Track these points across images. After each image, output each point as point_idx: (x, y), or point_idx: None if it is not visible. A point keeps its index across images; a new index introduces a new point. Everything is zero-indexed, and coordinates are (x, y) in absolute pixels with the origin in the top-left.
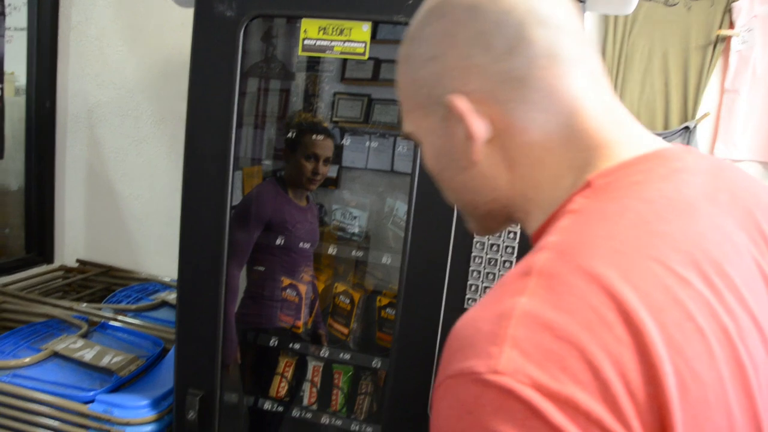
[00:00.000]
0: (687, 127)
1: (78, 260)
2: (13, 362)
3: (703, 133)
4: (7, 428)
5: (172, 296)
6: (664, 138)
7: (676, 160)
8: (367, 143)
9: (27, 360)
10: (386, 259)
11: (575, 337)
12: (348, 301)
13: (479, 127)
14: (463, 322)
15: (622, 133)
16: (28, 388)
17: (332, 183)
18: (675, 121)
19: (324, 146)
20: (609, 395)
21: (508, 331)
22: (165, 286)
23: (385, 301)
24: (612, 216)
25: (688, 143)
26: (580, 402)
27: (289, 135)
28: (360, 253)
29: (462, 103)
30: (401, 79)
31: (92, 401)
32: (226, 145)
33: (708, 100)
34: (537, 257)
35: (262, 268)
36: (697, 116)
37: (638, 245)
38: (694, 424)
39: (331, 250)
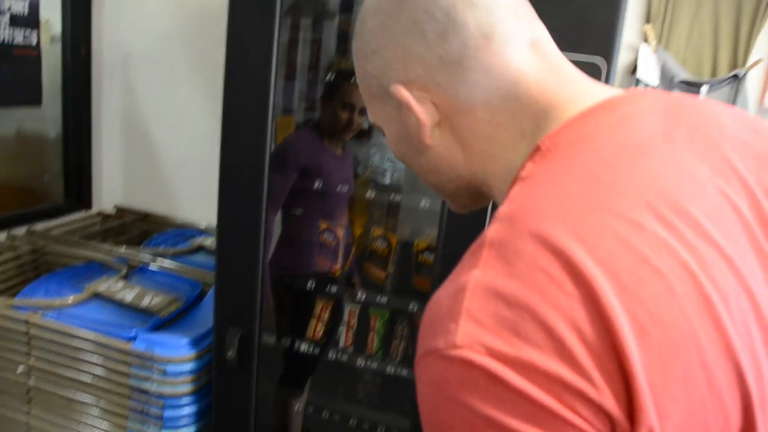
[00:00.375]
0: (736, 75)
1: (115, 206)
2: (57, 301)
3: (753, 81)
4: (52, 363)
5: (208, 241)
6: (710, 87)
7: (627, 105)
8: None
9: (70, 299)
10: (424, 203)
11: (526, 300)
12: (385, 245)
13: (424, 114)
14: (430, 303)
15: (571, 92)
16: (72, 326)
17: (365, 134)
18: (723, 69)
19: (360, 95)
20: (565, 351)
21: (463, 305)
22: (201, 232)
23: (422, 245)
24: (558, 175)
25: (736, 92)
26: (537, 363)
27: (328, 79)
28: (398, 197)
29: (404, 93)
30: (357, 71)
31: (134, 339)
32: (265, 89)
33: (760, 47)
34: (489, 229)
35: (298, 212)
36: (748, 63)
37: (585, 199)
38: (660, 366)
39: (369, 194)
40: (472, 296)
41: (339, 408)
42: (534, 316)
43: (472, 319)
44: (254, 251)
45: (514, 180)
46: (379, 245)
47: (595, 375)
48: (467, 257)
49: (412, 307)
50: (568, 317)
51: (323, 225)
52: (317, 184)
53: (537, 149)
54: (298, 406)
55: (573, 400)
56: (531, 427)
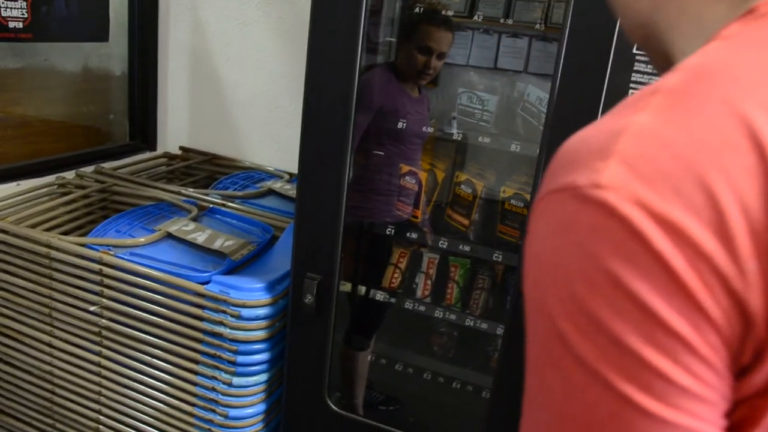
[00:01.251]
0: None
1: (181, 147)
2: (129, 241)
3: None
4: (125, 303)
5: (278, 185)
6: None
7: None
8: (470, 39)
9: (142, 239)
10: (514, 147)
11: (695, 159)
12: (470, 190)
13: None
14: (572, 139)
15: None
16: (145, 266)
17: (432, 81)
18: None
19: (440, 39)
20: (724, 228)
21: (618, 146)
22: (270, 175)
23: (509, 191)
24: None
25: None
26: (689, 230)
27: (416, 11)
28: (487, 140)
29: None
30: None
31: (208, 282)
32: (354, 25)
33: None
34: (668, 77)
35: (379, 155)
36: None
37: None
38: None
39: (456, 135)
40: (631, 139)
41: (413, 361)
42: (699, 179)
43: (626, 163)
44: (337, 196)
45: (711, 38)
46: (464, 191)
47: (750, 265)
48: (628, 103)
49: (496, 256)
50: (737, 192)
51: (404, 168)
52: (395, 126)
53: (751, 11)
54: (369, 356)
55: (715, 284)
56: (658, 298)
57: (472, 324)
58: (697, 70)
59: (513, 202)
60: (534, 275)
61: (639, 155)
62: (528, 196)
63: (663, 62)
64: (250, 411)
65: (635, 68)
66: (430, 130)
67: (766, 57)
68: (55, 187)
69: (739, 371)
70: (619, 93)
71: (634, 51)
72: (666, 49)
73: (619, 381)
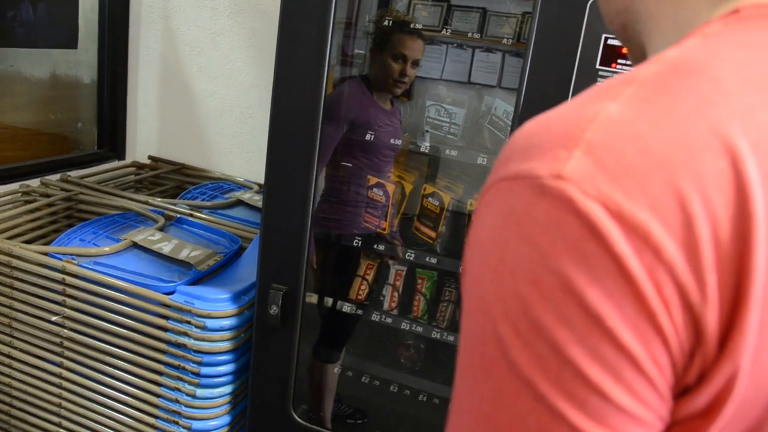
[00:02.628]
0: None
1: (150, 157)
2: (93, 250)
3: None
4: (88, 314)
5: (247, 195)
6: None
7: None
8: (444, 53)
9: (107, 249)
10: (482, 160)
11: (666, 157)
12: (437, 203)
13: None
14: (534, 121)
15: None
16: (109, 276)
17: (405, 94)
18: None
19: (413, 47)
20: (690, 237)
21: (586, 135)
22: (239, 186)
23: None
24: (754, 45)
25: None
26: (653, 234)
27: (385, 24)
28: (454, 153)
29: None
30: None
31: (173, 292)
32: (322, 37)
33: None
34: (643, 68)
35: (347, 166)
36: None
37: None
38: None
39: (424, 148)
40: (599, 128)
41: (380, 373)
42: (669, 179)
43: (592, 154)
44: (303, 207)
45: (690, 34)
46: (431, 203)
47: (711, 279)
48: (599, 90)
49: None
50: (706, 197)
51: (372, 180)
52: (366, 138)
53: (735, 11)
54: (336, 369)
55: (673, 296)
56: (610, 307)
57: (438, 336)
58: (675, 64)
59: None
60: (475, 270)
61: (606, 147)
62: None
63: (640, 54)
64: (214, 423)
65: (599, 82)
66: (401, 142)
67: (747, 60)
68: (19, 194)
69: (681, 391)
70: None
71: (597, 66)
72: (642, 41)
73: (552, 394)
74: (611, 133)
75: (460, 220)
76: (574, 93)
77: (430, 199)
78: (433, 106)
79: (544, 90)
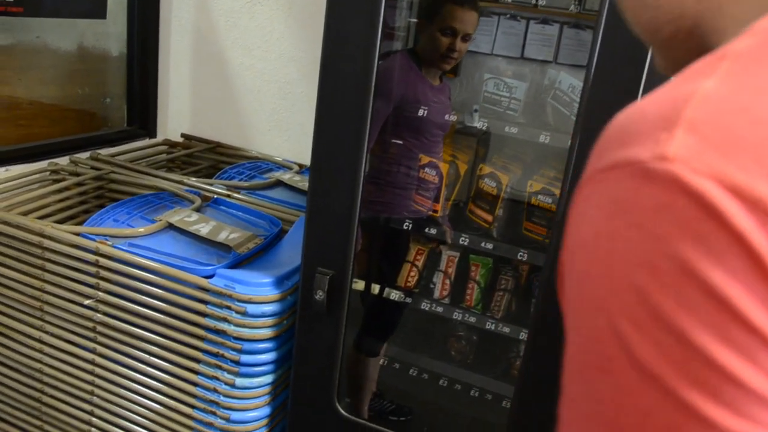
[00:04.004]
0: None
1: (183, 135)
2: (128, 231)
3: None
4: (122, 298)
5: (287, 176)
6: None
7: None
8: (496, 25)
9: (142, 230)
10: (544, 138)
11: None
12: (494, 184)
13: None
14: (626, 111)
15: None
16: (144, 258)
17: (452, 70)
18: None
19: (464, 19)
20: None
21: (685, 113)
22: (278, 166)
23: (537, 186)
24: None
25: None
26: None
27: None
28: (514, 130)
29: None
30: None
31: (212, 276)
32: (374, 5)
33: None
34: (736, 42)
35: (396, 145)
36: None
37: None
38: None
39: (481, 125)
40: (700, 105)
41: (428, 366)
42: None
43: (696, 132)
44: (352, 187)
45: None
46: (488, 184)
47: None
48: (691, 71)
49: (521, 255)
50: None
51: (424, 159)
52: (413, 116)
53: None
54: (382, 360)
55: None
56: (736, 287)
57: (493, 327)
58: None
59: (540, 197)
60: (580, 268)
61: (711, 122)
62: (557, 192)
63: (690, 58)
64: (253, 414)
65: None
66: (454, 118)
67: None
68: (47, 173)
69: None
70: (660, 80)
71: None
72: (706, 42)
73: (682, 386)
74: (713, 109)
75: (519, 203)
76: (650, 68)
77: (486, 180)
78: (492, 80)
79: (617, 63)
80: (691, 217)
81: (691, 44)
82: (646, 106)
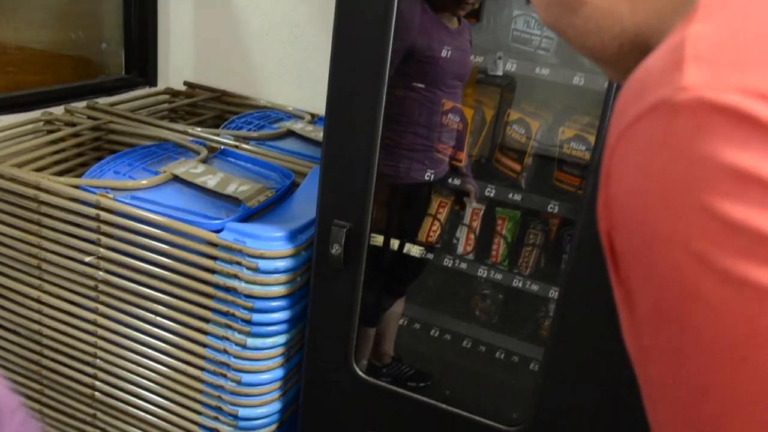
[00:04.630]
0: None
1: (185, 83)
2: (130, 183)
3: None
4: (125, 255)
5: (299, 125)
6: None
7: None
8: None
9: (145, 182)
10: (578, 80)
11: None
12: (523, 131)
13: None
14: (629, 80)
15: None
16: (149, 211)
17: (473, 14)
18: None
19: None
20: None
21: (686, 52)
22: (289, 115)
23: (569, 133)
24: None
25: None
26: None
27: None
28: (546, 71)
29: None
30: None
31: (221, 230)
32: None
33: None
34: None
35: (417, 88)
36: None
37: None
38: None
39: (509, 66)
40: (696, 42)
41: (451, 327)
42: None
43: (703, 61)
44: (370, 133)
45: None
46: (516, 131)
47: None
48: (672, 36)
49: (551, 207)
50: None
51: (447, 104)
52: (431, 64)
53: None
54: (402, 320)
55: None
56: None
57: (520, 285)
58: None
59: (573, 145)
60: (637, 214)
61: (712, 50)
62: (592, 139)
63: (636, 60)
64: (266, 377)
65: None
66: (478, 60)
67: None
68: (41, 123)
69: None
70: None
71: None
72: (650, 44)
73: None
74: (709, 41)
75: (549, 152)
76: None
77: (514, 126)
78: (522, 17)
79: None
80: (729, 129)
81: (638, 51)
82: (648, 64)
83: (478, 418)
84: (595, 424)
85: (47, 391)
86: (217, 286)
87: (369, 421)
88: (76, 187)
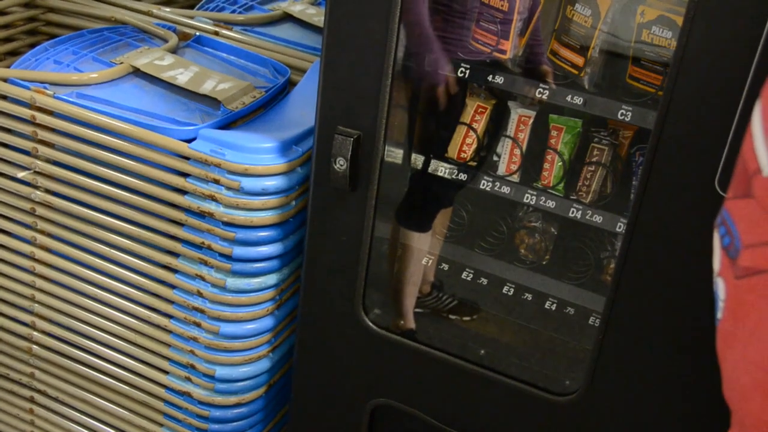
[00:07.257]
0: None
1: None
2: (75, 76)
3: None
4: (70, 169)
5: (297, 8)
6: None
7: None
8: None
9: (95, 75)
10: None
11: None
12: (588, 13)
13: None
14: None
15: None
16: (100, 113)
17: None
18: None
19: None
20: None
21: None
22: None
23: (650, 13)
24: None
25: None
26: None
27: None
28: None
29: None
30: None
31: (194, 139)
32: None
33: None
34: None
35: None
36: None
37: None
38: None
39: None
40: None
41: (488, 268)
42: None
43: None
44: (385, 15)
45: None
46: (579, 13)
47: None
48: None
49: (623, 115)
50: None
51: None
52: None
53: None
54: (426, 259)
55: None
56: None
57: (579, 216)
58: None
59: (655, 30)
60: None
61: None
62: (679, 21)
63: None
64: (251, 327)
65: None
66: None
67: None
68: None
69: None
70: None
71: None
72: None
73: None
74: None
75: (623, 41)
76: None
77: (577, 6)
78: None
79: None
80: None
81: None
82: None
83: (521, 384)
84: (666, 394)
85: None
86: (188, 210)
87: (381, 387)
88: (4, 80)
